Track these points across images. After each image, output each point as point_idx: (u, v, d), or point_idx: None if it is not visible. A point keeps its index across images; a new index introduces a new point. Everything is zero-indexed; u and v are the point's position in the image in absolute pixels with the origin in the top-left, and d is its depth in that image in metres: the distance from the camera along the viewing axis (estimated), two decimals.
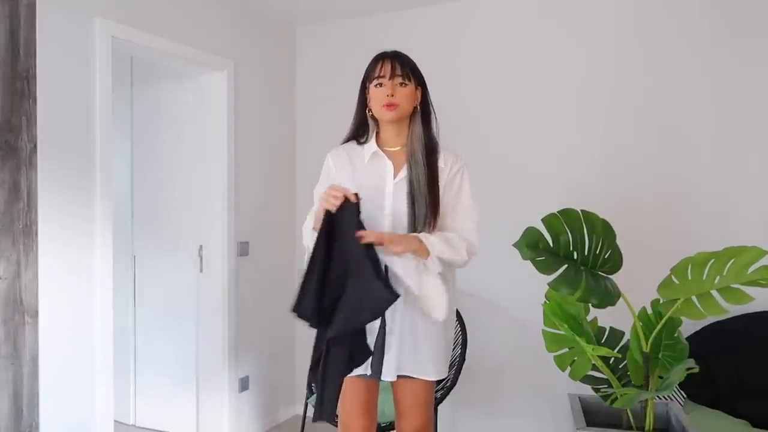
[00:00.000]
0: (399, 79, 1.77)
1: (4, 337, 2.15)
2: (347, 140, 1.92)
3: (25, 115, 2.20)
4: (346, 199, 1.66)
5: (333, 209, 1.66)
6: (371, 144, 1.85)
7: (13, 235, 2.17)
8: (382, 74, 1.78)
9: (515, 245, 2.15)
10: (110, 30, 2.53)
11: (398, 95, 1.77)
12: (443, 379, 2.66)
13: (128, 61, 3.38)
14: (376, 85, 1.79)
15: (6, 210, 2.15)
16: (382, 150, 1.84)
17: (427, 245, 1.71)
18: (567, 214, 2.14)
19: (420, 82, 1.84)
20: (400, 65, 1.78)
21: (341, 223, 1.68)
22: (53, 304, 2.32)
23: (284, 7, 3.39)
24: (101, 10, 2.50)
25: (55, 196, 2.32)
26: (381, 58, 1.81)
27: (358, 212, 1.68)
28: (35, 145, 2.24)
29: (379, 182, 1.81)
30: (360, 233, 1.63)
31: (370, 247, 1.65)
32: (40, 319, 2.26)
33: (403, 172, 1.80)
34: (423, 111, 1.84)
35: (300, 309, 1.68)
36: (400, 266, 1.73)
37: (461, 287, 3.09)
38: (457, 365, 2.64)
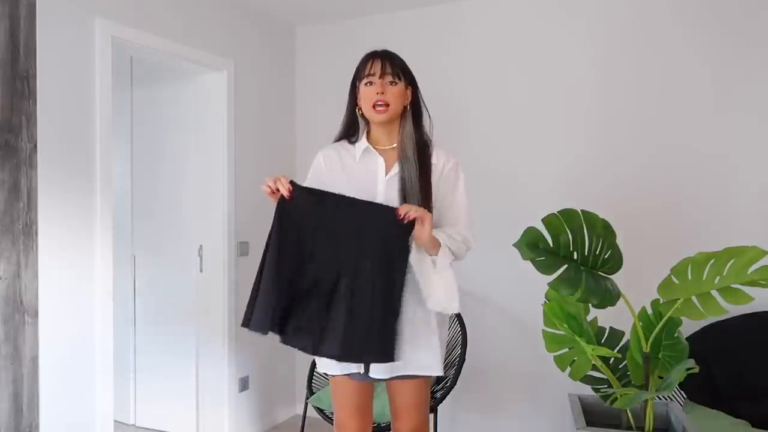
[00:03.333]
0: (389, 78, 1.76)
1: (4, 337, 2.15)
2: (338, 139, 1.90)
3: (25, 115, 2.20)
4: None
5: (284, 194, 1.65)
6: (362, 141, 1.84)
7: (13, 235, 2.17)
8: (372, 72, 1.77)
9: (515, 245, 2.15)
10: (110, 30, 2.53)
11: (388, 94, 1.76)
12: (442, 379, 2.66)
13: (128, 61, 3.38)
14: (366, 84, 1.78)
15: (6, 210, 2.15)
16: (374, 148, 1.83)
17: (438, 238, 1.70)
18: (567, 214, 2.14)
19: (410, 82, 1.83)
20: (390, 64, 1.77)
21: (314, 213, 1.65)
22: (53, 304, 2.32)
23: (284, 7, 3.39)
24: (101, 10, 2.50)
25: (55, 196, 2.32)
26: (371, 56, 1.80)
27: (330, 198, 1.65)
28: (35, 145, 2.24)
29: (370, 179, 1.80)
30: (401, 210, 1.61)
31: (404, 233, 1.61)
32: (40, 319, 2.26)
33: (395, 170, 1.79)
34: (414, 110, 1.83)
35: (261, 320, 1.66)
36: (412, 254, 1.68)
37: (461, 287, 3.10)
38: (457, 365, 2.64)
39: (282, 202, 1.66)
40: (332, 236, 1.64)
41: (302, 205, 1.65)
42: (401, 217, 1.61)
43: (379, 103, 1.75)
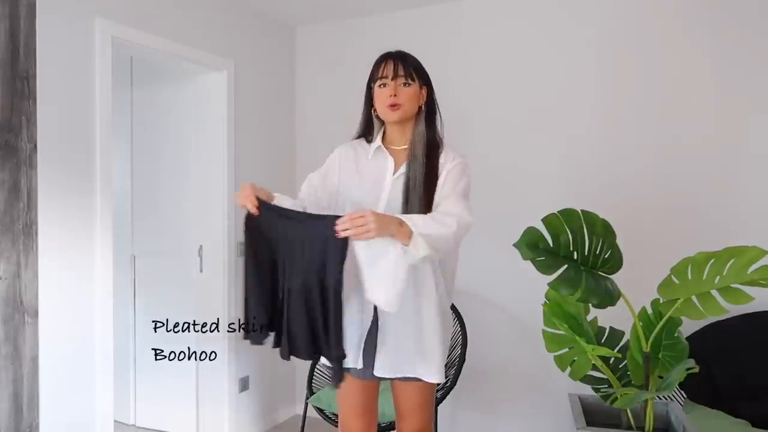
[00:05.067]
0: (402, 80, 1.77)
1: (4, 337, 2.15)
2: (356, 138, 1.92)
3: (25, 115, 2.20)
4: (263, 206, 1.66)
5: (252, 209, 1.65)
6: (376, 141, 1.86)
7: (13, 235, 2.17)
8: (385, 75, 1.78)
9: (515, 245, 2.15)
10: (110, 30, 2.53)
11: (401, 95, 1.77)
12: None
13: (128, 61, 3.38)
14: (379, 86, 1.80)
15: (6, 210, 2.15)
16: (387, 148, 1.85)
17: (409, 224, 1.57)
18: (567, 214, 2.14)
19: (425, 82, 1.84)
20: (403, 65, 1.78)
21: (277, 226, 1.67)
22: (53, 304, 2.32)
23: (284, 7, 3.39)
24: (101, 10, 2.50)
25: (55, 196, 2.32)
26: (384, 58, 1.82)
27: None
28: (35, 145, 2.24)
29: (379, 177, 1.82)
30: (338, 226, 1.53)
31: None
32: (40, 319, 2.26)
33: (402, 169, 1.80)
34: (428, 110, 1.84)
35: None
36: (361, 247, 1.60)
37: (461, 287, 3.11)
38: (457, 365, 2.64)
39: (248, 219, 1.69)
40: (288, 247, 1.67)
41: (266, 220, 1.67)
42: (337, 232, 1.54)
43: (393, 104, 1.76)
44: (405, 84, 1.78)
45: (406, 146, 1.84)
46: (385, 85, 1.78)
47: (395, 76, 1.77)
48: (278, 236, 1.67)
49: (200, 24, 3.03)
